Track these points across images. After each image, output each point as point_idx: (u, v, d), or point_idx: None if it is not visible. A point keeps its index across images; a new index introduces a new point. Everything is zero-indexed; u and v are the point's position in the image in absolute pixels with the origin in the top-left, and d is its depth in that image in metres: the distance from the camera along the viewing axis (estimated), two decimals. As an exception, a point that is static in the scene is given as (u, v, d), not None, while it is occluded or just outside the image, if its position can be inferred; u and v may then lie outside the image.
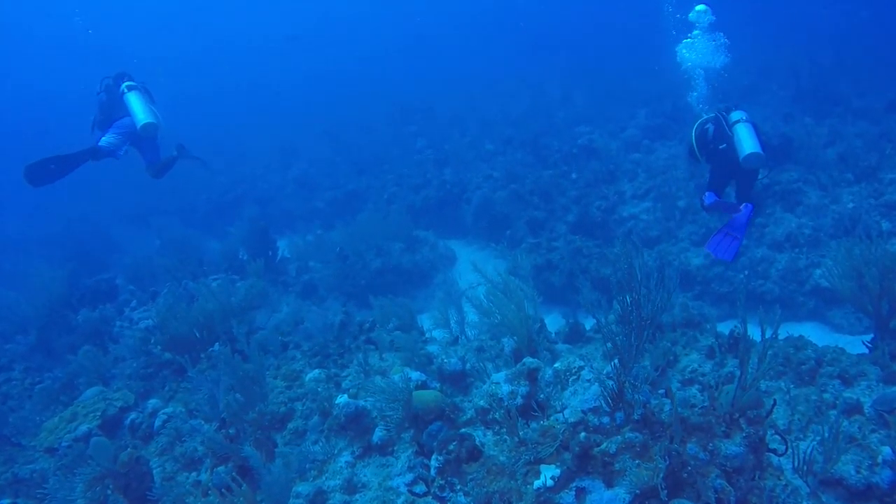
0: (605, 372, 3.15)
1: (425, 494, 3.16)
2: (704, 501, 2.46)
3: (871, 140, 8.93)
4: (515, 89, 17.82)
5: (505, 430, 3.18)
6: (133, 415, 4.89)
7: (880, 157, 7.96)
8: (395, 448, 3.68)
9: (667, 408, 2.93)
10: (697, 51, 7.20)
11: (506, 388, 3.50)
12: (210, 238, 12.12)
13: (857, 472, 2.92)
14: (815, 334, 5.22)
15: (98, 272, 10.06)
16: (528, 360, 3.63)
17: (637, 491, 2.54)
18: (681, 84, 7.35)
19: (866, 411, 3.42)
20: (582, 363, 3.57)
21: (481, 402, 3.57)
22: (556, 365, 3.71)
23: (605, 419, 2.94)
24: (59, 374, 6.23)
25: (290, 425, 4.19)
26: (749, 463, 2.70)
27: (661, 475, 2.48)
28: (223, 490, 3.43)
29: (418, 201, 10.85)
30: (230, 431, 4.17)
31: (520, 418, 3.14)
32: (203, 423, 4.39)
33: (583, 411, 3.03)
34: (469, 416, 3.68)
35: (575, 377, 3.50)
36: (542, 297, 5.21)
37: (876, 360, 3.85)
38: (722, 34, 7.20)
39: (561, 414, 3.12)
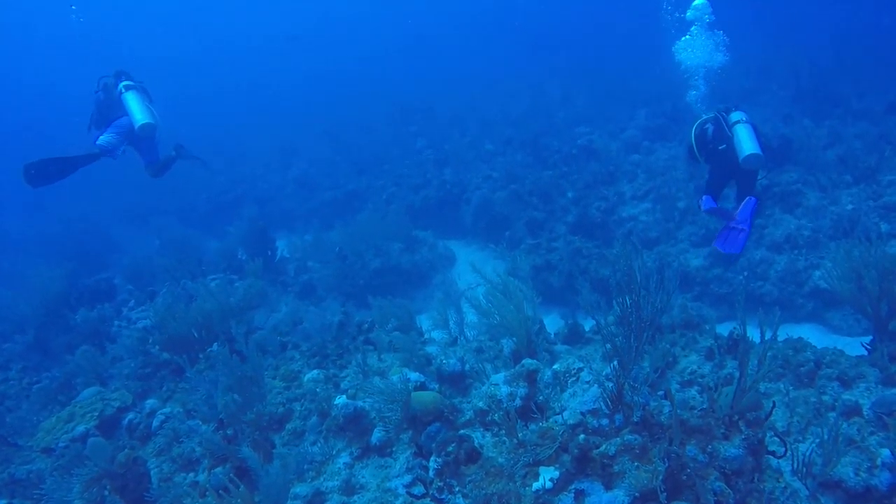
0: (604, 373, 3.14)
1: (424, 496, 3.15)
2: (703, 504, 2.45)
3: (871, 142, 8.93)
4: (515, 89, 17.83)
5: (504, 431, 3.18)
6: (131, 415, 4.88)
7: (879, 159, 7.96)
8: (394, 449, 3.67)
9: (666, 410, 2.92)
10: (696, 49, 7.19)
11: (505, 390, 3.49)
12: (209, 238, 12.11)
13: (856, 474, 2.91)
14: (813, 336, 5.22)
15: (97, 272, 10.06)
16: (527, 361, 3.62)
17: (636, 493, 2.53)
18: (681, 84, 7.34)
19: (865, 413, 3.42)
20: (581, 365, 3.56)
21: (480, 404, 3.56)
22: (555, 366, 3.71)
23: (605, 421, 2.93)
24: (56, 373, 6.22)
25: (289, 426, 4.18)
26: (748, 465, 2.69)
27: (661, 477, 2.48)
28: (221, 491, 3.42)
29: (418, 201, 10.85)
30: (228, 432, 4.16)
31: (519, 420, 3.13)
32: (201, 423, 4.38)
33: (582, 413, 3.02)
34: (468, 417, 3.67)
35: (574, 379, 3.49)
36: (541, 298, 5.20)
37: (875, 362, 3.85)
38: (721, 32, 7.20)
39: (560, 416, 3.11)
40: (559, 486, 2.68)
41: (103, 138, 5.63)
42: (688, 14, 7.29)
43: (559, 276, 7.45)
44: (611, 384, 2.91)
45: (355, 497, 3.43)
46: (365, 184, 12.68)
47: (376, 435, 3.71)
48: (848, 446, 3.02)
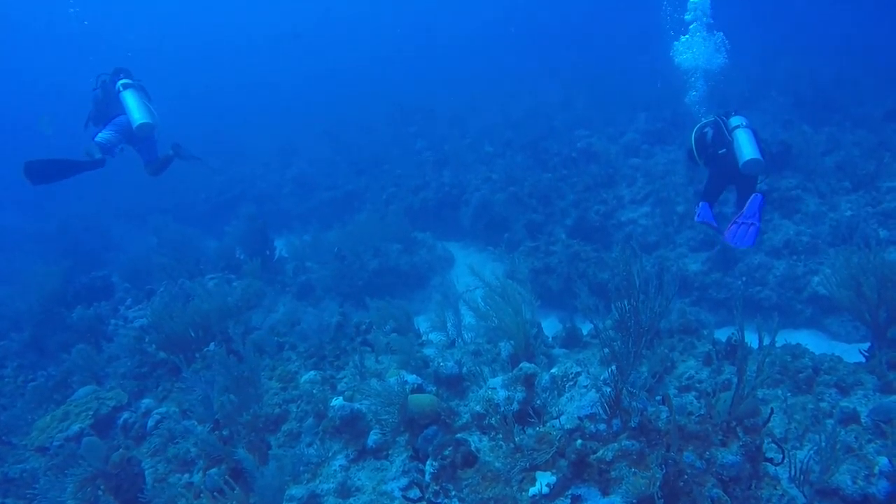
0: (602, 378, 3.13)
1: (420, 500, 3.13)
2: (701, 511, 2.44)
3: (870, 148, 8.94)
4: (516, 91, 17.82)
5: (501, 435, 3.16)
6: (126, 414, 4.85)
7: (878, 166, 7.98)
8: (390, 452, 3.65)
9: (664, 415, 2.91)
10: (695, 48, 7.20)
11: (502, 394, 3.48)
12: (208, 237, 12.08)
13: (854, 482, 2.90)
14: (812, 342, 5.21)
15: (94, 269, 10.01)
16: (524, 365, 3.61)
17: (633, 500, 2.52)
18: (680, 88, 7.35)
19: (863, 421, 3.41)
20: (579, 369, 3.54)
21: (477, 407, 3.54)
22: (552, 370, 3.69)
23: (602, 426, 2.92)
24: (52, 372, 6.18)
25: (285, 427, 4.15)
26: (745, 472, 2.68)
27: (658, 484, 2.47)
28: (215, 493, 3.40)
29: (417, 202, 10.84)
30: (224, 433, 4.14)
31: (516, 424, 3.12)
32: (196, 423, 4.35)
33: (579, 418, 3.01)
34: (465, 420, 3.65)
35: (572, 383, 3.48)
36: (539, 301, 5.18)
37: (873, 370, 3.85)
38: (721, 34, 7.21)
39: (557, 420, 3.10)
40: (556, 491, 2.67)
41: (101, 135, 5.61)
42: (686, 15, 7.31)
43: (558, 280, 7.44)
44: (609, 389, 2.90)
45: (351, 500, 3.41)
46: (364, 184, 12.66)
47: (373, 437, 3.69)
48: (846, 454, 3.02)
